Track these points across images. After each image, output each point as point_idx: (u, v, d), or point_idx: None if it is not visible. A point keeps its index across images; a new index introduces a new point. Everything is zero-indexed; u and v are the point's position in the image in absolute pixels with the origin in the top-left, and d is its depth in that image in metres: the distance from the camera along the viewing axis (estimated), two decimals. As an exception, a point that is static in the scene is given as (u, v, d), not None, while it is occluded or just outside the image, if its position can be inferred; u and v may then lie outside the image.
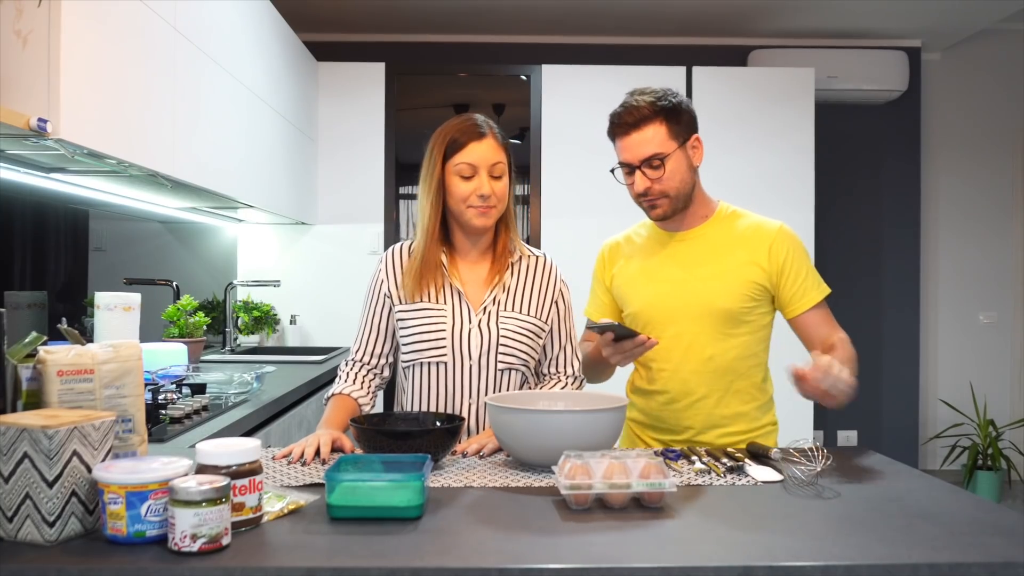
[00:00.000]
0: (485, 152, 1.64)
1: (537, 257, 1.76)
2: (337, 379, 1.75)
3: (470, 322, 1.66)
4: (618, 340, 1.60)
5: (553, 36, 4.60)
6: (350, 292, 4.14)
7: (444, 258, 1.70)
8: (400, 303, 1.70)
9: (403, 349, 1.70)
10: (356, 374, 1.74)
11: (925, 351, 4.85)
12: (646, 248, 1.84)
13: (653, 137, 1.68)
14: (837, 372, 1.43)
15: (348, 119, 4.18)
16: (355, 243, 4.19)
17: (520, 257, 1.74)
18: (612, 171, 1.79)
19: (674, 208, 1.74)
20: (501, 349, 1.66)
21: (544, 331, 1.72)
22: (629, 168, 1.72)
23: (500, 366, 1.66)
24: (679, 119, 1.71)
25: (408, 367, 1.70)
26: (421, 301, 1.68)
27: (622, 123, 1.70)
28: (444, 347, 1.65)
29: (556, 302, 1.75)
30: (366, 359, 1.75)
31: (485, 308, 1.68)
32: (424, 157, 1.69)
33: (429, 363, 1.66)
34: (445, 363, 1.65)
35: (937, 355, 4.88)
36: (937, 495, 1.24)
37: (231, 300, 3.64)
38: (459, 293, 1.68)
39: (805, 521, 1.12)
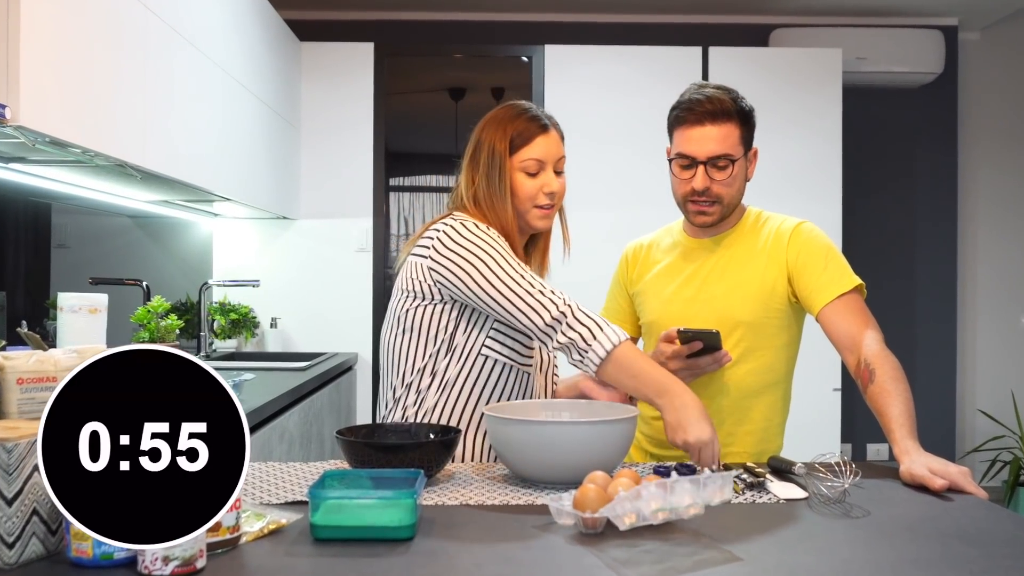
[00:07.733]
0: (552, 146, 1.66)
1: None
2: (582, 315, 1.52)
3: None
4: (693, 355, 1.64)
5: (556, 14, 4.61)
6: (336, 293, 4.14)
7: None
8: None
9: (501, 343, 1.63)
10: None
11: (962, 357, 4.85)
12: (669, 257, 1.85)
13: (728, 136, 1.69)
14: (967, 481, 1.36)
15: (334, 104, 4.18)
16: (341, 239, 4.19)
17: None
18: (671, 160, 1.75)
19: (721, 217, 1.75)
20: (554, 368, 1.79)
21: None
22: (691, 162, 1.70)
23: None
24: (749, 126, 1.74)
25: (486, 359, 1.62)
26: None
27: (701, 110, 1.68)
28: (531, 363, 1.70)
29: None
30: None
31: None
32: (475, 153, 1.67)
33: (516, 368, 1.65)
34: (528, 373, 1.69)
35: (975, 362, 4.88)
36: (975, 514, 1.24)
37: (206, 301, 3.64)
38: None
39: (831, 541, 1.13)
